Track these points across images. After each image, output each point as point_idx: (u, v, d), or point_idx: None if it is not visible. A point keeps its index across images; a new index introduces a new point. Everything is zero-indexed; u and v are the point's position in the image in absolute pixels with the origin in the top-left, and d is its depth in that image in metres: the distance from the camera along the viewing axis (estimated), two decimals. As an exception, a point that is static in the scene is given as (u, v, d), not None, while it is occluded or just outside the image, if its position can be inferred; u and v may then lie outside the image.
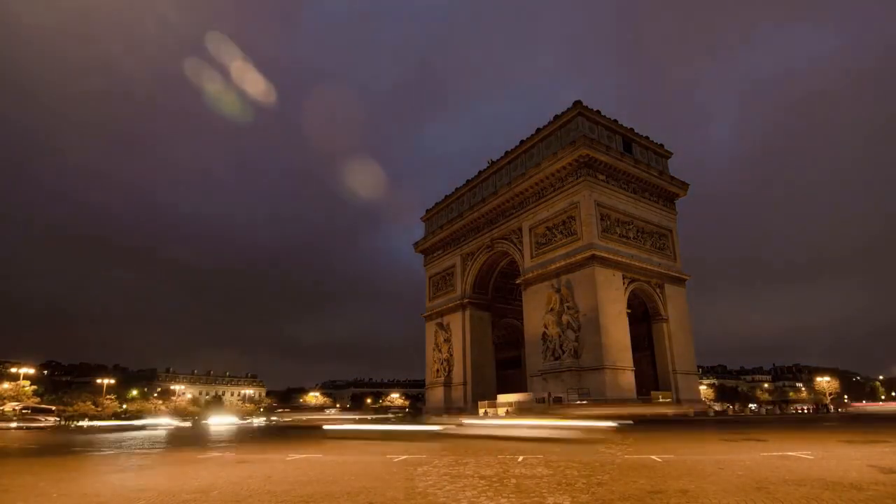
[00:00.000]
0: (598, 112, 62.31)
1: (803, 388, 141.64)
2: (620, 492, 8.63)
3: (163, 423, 70.32)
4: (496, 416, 50.06)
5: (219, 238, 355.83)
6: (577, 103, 61.45)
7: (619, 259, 57.41)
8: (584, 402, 47.34)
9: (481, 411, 58.00)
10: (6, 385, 78.86)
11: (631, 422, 30.86)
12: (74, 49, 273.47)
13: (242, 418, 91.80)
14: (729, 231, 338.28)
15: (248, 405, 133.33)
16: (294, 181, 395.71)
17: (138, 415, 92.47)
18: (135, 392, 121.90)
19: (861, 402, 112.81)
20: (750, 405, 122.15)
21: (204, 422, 78.91)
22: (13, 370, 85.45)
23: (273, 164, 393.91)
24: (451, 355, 78.05)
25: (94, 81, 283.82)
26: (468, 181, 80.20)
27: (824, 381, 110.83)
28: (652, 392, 56.76)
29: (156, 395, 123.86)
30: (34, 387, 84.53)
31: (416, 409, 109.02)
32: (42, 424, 61.95)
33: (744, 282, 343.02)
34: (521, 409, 48.20)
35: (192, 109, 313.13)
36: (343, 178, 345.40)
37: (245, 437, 34.13)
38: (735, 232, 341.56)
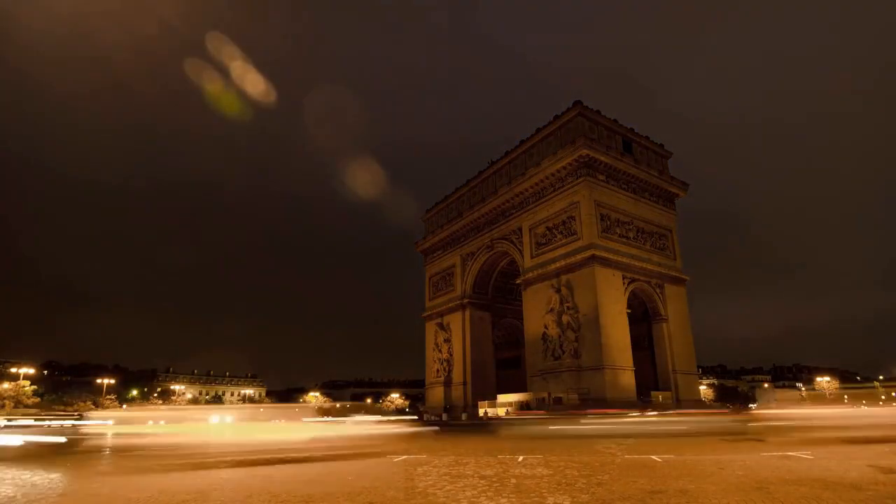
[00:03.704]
0: (598, 112, 62.26)
1: (803, 388, 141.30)
2: (620, 492, 8.63)
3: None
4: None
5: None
6: (578, 103, 61.39)
7: (619, 259, 57.37)
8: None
9: (481, 411, 58.08)
10: (6, 385, 78.76)
11: None
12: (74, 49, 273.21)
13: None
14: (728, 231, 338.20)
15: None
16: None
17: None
18: (135, 392, 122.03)
19: (861, 402, 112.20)
20: (749, 405, 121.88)
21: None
22: (13, 370, 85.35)
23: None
24: (451, 355, 78.01)
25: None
26: (468, 181, 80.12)
27: (824, 381, 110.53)
28: (652, 392, 56.76)
29: (156, 394, 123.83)
30: (34, 387, 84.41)
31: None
32: None
33: (744, 282, 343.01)
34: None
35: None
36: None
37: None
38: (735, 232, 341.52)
